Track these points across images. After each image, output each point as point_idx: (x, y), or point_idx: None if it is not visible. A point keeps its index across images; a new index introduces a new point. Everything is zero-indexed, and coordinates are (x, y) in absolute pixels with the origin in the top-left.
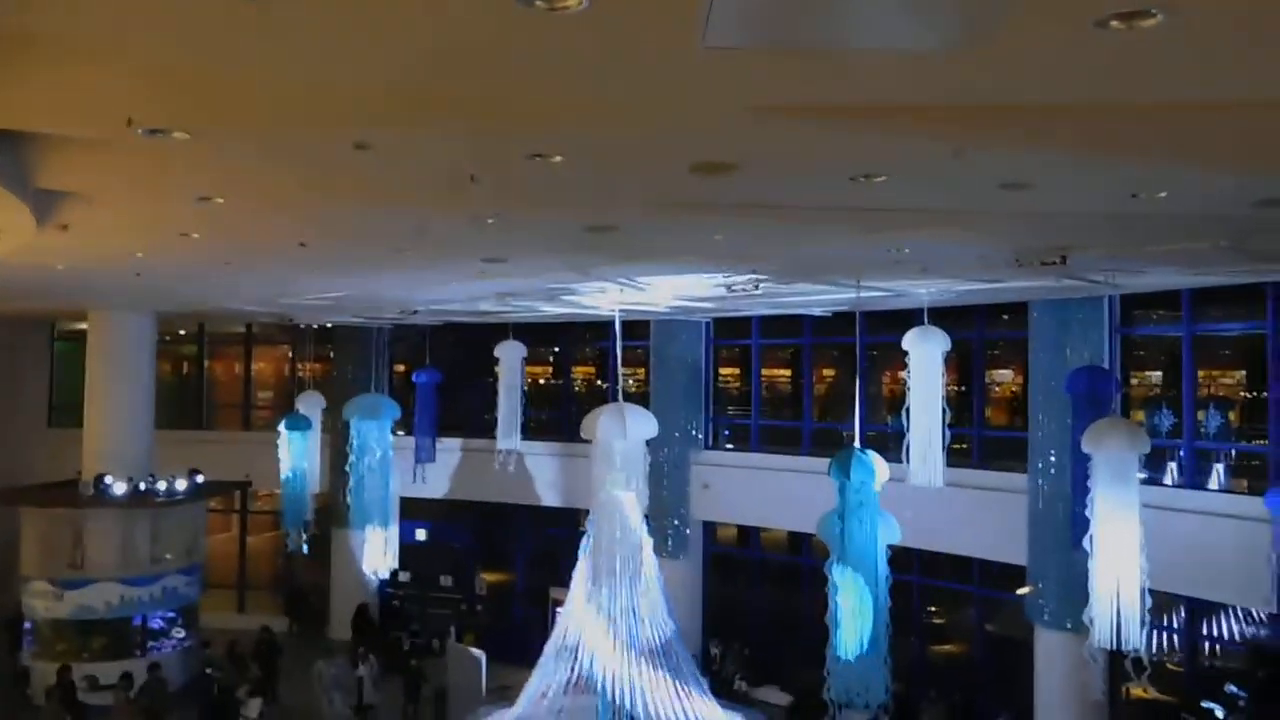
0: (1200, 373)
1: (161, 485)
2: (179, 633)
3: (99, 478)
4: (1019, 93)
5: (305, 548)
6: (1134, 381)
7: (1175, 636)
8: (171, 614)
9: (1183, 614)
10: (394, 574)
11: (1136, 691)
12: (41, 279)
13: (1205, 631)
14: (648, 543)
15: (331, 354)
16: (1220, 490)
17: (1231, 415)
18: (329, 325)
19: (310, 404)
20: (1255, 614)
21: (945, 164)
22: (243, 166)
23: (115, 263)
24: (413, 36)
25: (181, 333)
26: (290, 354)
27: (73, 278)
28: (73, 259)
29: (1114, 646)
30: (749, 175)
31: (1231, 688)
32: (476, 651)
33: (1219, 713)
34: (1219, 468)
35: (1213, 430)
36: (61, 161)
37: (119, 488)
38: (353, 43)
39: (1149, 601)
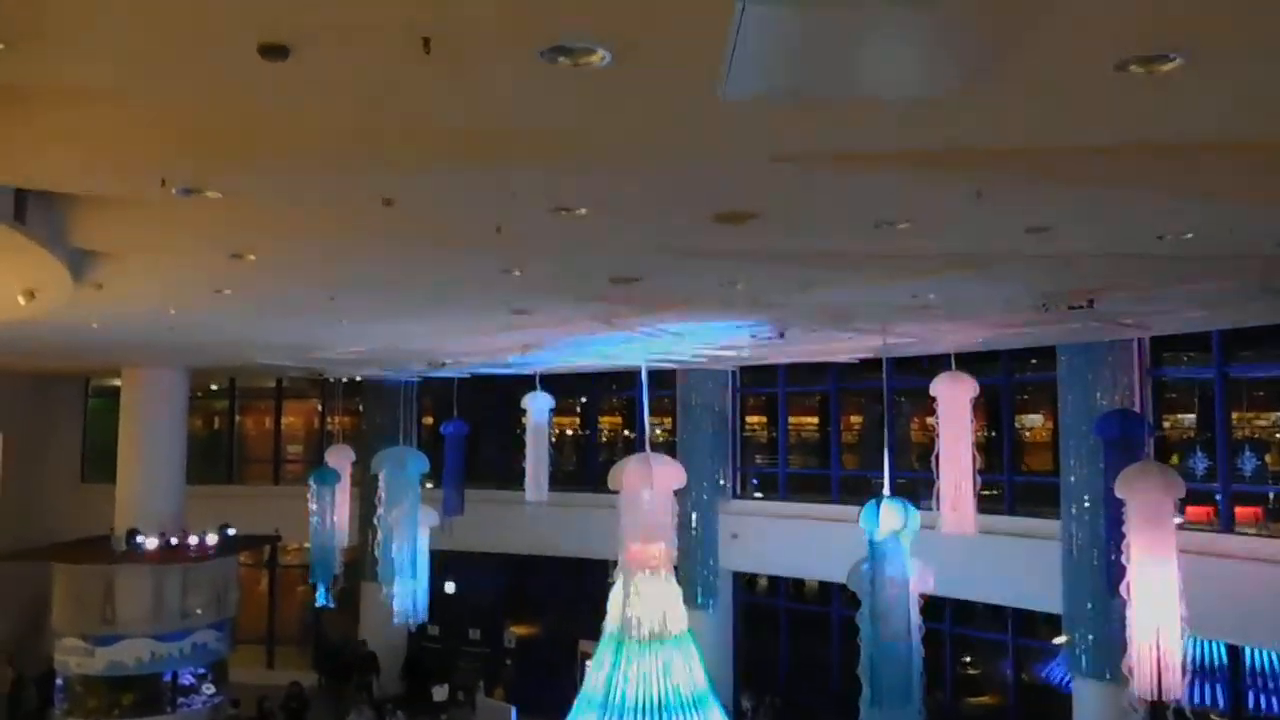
0: (1235, 415)
1: (193, 540)
2: (208, 689)
3: (131, 533)
4: (1041, 136)
5: (332, 602)
6: (1166, 424)
7: (1218, 686)
8: (202, 670)
9: (1224, 661)
10: (423, 627)
11: None
12: (77, 337)
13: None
14: (677, 594)
15: (360, 407)
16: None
17: (1269, 457)
18: (358, 379)
19: (339, 457)
20: None
21: (969, 209)
22: (273, 225)
23: (149, 320)
24: (437, 90)
25: (214, 388)
26: (320, 408)
27: (107, 335)
28: (107, 317)
29: (1154, 696)
30: (772, 223)
31: None
32: (506, 705)
33: None
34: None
35: (1249, 472)
36: (96, 221)
37: (150, 543)
38: (380, 98)
39: (1190, 650)
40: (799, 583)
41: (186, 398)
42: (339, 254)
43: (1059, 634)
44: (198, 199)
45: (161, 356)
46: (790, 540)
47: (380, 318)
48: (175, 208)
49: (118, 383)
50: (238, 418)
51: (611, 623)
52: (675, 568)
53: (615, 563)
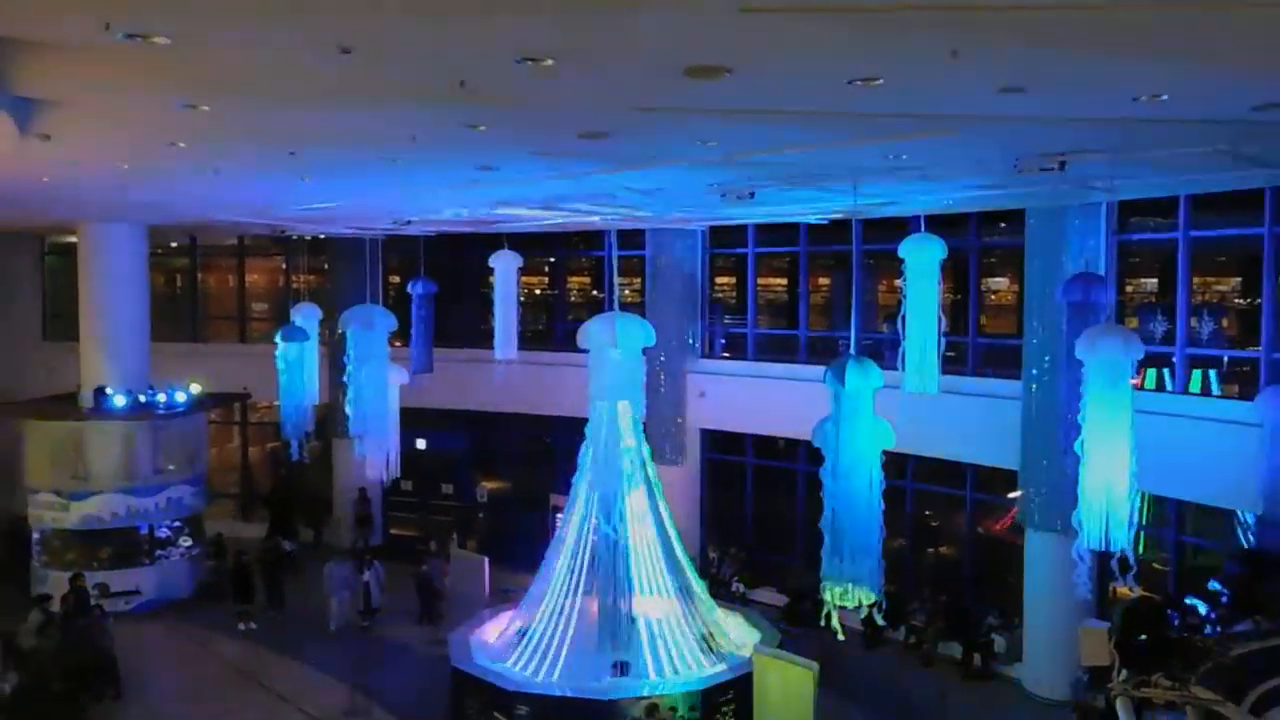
0: (1196, 279)
1: (161, 397)
2: (185, 541)
3: (98, 390)
4: None
5: (306, 458)
6: (1129, 288)
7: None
8: (177, 523)
9: (1170, 516)
10: (396, 482)
11: (1122, 591)
12: (27, 191)
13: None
14: (645, 449)
15: (326, 265)
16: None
17: (1225, 321)
18: (322, 237)
19: (306, 315)
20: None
21: (944, 66)
22: (227, 73)
23: (101, 174)
24: None
25: (174, 245)
26: (284, 265)
27: (59, 190)
28: (57, 170)
29: (1101, 547)
30: (744, 79)
31: (1214, 584)
32: (479, 556)
33: (1201, 608)
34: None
35: (1205, 336)
36: (41, 68)
37: (119, 400)
38: None
39: (1137, 504)
40: (765, 439)
41: (146, 254)
42: (297, 106)
43: (1014, 489)
44: (145, 46)
45: (118, 211)
46: (757, 399)
47: (342, 174)
48: (123, 54)
49: (74, 239)
50: (200, 275)
51: None
52: (644, 425)
53: (585, 420)
